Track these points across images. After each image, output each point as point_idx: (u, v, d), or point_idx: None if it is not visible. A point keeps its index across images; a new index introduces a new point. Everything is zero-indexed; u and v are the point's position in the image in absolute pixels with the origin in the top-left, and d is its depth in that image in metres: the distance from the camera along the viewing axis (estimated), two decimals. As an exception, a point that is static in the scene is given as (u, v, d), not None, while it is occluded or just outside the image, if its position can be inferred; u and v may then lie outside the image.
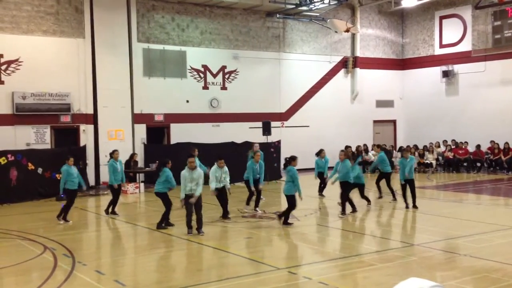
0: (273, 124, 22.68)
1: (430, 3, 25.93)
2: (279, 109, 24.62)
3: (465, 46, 25.26)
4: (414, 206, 14.11)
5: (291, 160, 12.36)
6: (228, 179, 12.89)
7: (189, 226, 11.31)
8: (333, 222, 12.91)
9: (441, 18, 26.27)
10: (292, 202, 12.06)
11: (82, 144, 19.90)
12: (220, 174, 12.67)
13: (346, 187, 13.41)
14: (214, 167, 12.69)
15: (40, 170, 17.36)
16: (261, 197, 14.75)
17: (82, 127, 20.15)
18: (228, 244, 10.76)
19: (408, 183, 14.16)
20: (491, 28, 24.27)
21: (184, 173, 11.27)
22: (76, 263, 9.14)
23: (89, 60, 19.81)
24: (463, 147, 23.85)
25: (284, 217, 12.20)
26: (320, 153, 16.74)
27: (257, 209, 14.07)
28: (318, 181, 17.02)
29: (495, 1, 22.55)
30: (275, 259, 9.34)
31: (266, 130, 21.82)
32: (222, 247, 10.28)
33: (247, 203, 14.34)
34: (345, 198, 13.41)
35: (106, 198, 17.76)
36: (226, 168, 12.79)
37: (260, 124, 22.25)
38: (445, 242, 10.56)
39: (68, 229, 12.67)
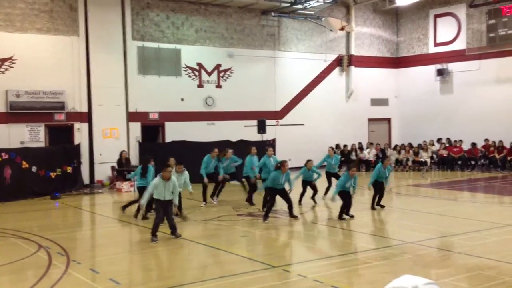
0: (268, 122, 22.68)
1: (425, 2, 25.99)
2: (274, 108, 24.61)
3: (460, 44, 25.34)
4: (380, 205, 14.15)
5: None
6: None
7: (153, 233, 10.62)
8: (328, 220, 12.92)
9: (436, 16, 26.33)
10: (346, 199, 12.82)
11: (76, 142, 19.84)
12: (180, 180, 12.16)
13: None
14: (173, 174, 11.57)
15: (34, 169, 17.30)
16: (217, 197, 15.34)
17: (77, 125, 20.08)
18: (222, 242, 10.75)
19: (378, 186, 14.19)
20: (485, 26, 24.34)
21: (157, 183, 10.65)
22: (70, 261, 9.11)
23: (83, 58, 19.74)
24: (458, 145, 23.94)
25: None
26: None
27: (214, 198, 15.11)
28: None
29: (489, -1, 22.63)
30: (269, 257, 9.34)
31: (261, 128, 21.81)
32: (217, 245, 10.27)
33: (204, 199, 14.91)
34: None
35: (100, 197, 17.75)
36: (186, 173, 12.43)
37: (255, 122, 22.25)
38: (439, 240, 10.60)
39: (62, 228, 12.65)
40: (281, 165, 12.42)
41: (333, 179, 15.80)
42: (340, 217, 12.71)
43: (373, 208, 13.99)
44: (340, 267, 8.74)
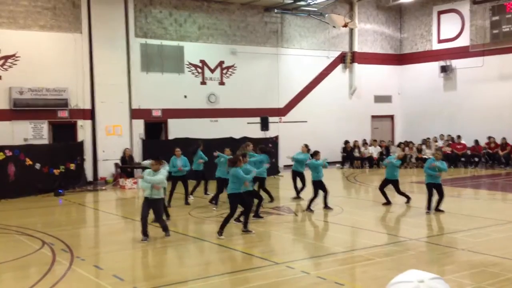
0: (271, 119, 22.65)
1: (428, -2, 25.92)
2: (277, 105, 24.59)
3: (463, 41, 25.25)
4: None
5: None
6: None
7: (143, 233, 10.34)
8: (331, 216, 12.92)
9: (439, 13, 26.24)
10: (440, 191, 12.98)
11: (79, 139, 19.85)
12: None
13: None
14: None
15: (38, 166, 17.33)
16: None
17: (80, 122, 20.09)
18: (225, 239, 10.76)
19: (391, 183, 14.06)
20: (489, 23, 24.24)
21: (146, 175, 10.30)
22: (74, 258, 9.13)
23: (86, 55, 19.75)
24: (458, 141, 23.91)
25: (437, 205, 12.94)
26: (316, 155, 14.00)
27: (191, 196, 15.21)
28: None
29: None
30: (273, 254, 9.35)
31: (264, 126, 21.80)
32: (220, 242, 10.27)
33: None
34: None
35: (104, 194, 17.78)
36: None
37: (258, 119, 22.23)
38: (443, 236, 10.58)
39: (66, 224, 12.68)
40: (236, 160, 10.84)
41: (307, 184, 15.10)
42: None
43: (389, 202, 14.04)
44: (343, 264, 8.74)
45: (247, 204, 10.94)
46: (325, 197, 13.51)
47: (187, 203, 14.55)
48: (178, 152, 14.49)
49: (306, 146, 15.80)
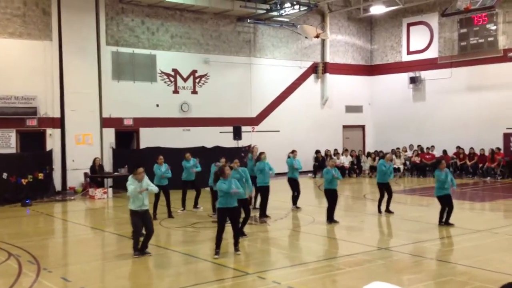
0: (243, 128, 22.67)
1: (398, 11, 26.39)
2: (250, 114, 24.64)
3: (432, 53, 25.78)
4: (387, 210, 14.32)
5: (438, 163, 12.84)
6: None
7: (136, 248, 9.93)
8: (303, 226, 12.97)
9: (409, 25, 26.75)
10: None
11: (48, 148, 19.52)
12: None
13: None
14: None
15: (5, 175, 16.97)
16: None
17: (49, 131, 19.77)
18: (197, 249, 10.69)
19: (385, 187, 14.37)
20: (457, 35, 24.81)
21: (136, 186, 9.86)
22: (41, 270, 8.95)
23: (56, 63, 19.45)
24: (430, 152, 24.31)
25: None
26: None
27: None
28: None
29: (461, 9, 23.04)
30: (244, 264, 9.32)
31: (237, 135, 21.80)
32: (192, 253, 10.21)
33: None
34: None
35: (73, 204, 17.49)
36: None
37: (230, 128, 22.22)
38: (412, 245, 10.71)
39: (33, 235, 12.43)
40: (220, 172, 10.06)
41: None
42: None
43: (380, 211, 14.18)
44: (314, 274, 8.76)
45: (235, 220, 10.16)
46: (333, 209, 13.13)
47: (170, 216, 14.03)
48: (161, 160, 14.36)
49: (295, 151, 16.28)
